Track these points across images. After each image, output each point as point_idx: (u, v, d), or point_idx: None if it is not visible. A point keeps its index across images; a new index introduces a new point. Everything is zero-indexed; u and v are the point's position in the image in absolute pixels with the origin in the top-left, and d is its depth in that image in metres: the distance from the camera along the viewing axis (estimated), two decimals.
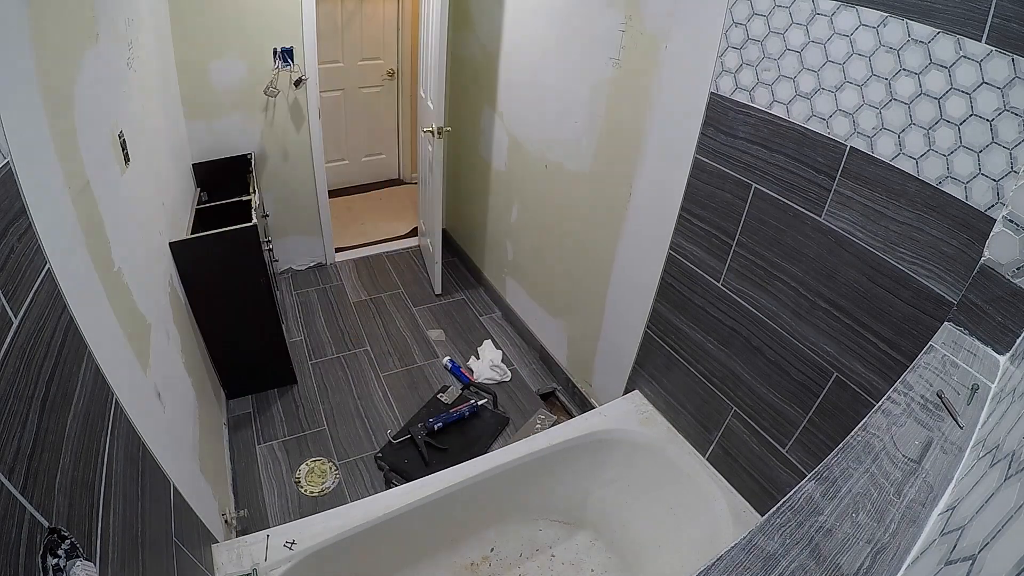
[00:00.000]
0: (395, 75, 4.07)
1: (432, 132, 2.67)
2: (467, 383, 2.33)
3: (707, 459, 1.77)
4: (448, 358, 2.44)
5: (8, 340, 0.65)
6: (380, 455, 2.00)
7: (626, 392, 2.07)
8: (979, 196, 1.00)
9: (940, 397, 0.85)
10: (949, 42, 0.99)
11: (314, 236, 3.29)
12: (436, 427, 2.07)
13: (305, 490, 2.03)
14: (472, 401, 2.17)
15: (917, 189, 1.09)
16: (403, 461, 1.97)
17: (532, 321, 2.75)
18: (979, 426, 0.80)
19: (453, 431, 2.11)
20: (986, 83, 0.95)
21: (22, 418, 0.65)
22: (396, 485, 1.88)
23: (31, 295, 0.74)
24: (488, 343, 2.65)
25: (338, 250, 3.41)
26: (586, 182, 2.09)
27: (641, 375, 2.01)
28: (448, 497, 1.66)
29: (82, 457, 0.79)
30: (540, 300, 2.65)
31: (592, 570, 1.81)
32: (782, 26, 1.26)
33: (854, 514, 0.66)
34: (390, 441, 2.05)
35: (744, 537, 0.62)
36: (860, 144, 1.17)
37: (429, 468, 1.77)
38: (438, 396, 2.24)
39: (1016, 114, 0.93)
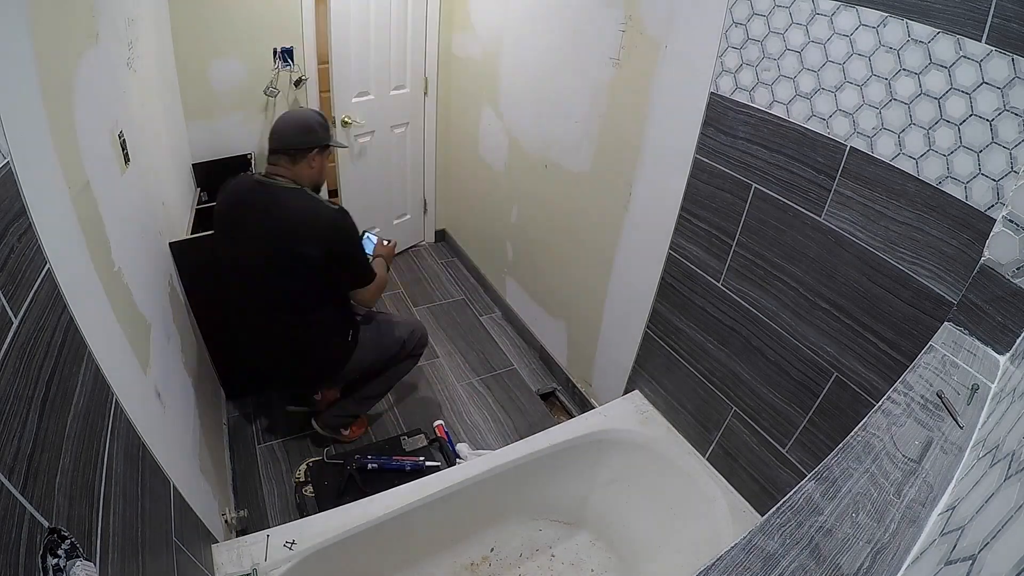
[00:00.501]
0: None
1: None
2: (453, 453, 2.16)
3: (707, 459, 1.77)
4: (440, 422, 2.28)
5: (8, 340, 0.65)
6: (310, 465, 1.97)
7: (626, 392, 2.07)
8: (979, 196, 1.00)
9: (940, 397, 0.85)
10: (949, 42, 0.99)
11: None
12: (369, 467, 1.96)
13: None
14: (421, 459, 2.02)
15: (917, 189, 1.09)
16: (323, 482, 1.90)
17: (532, 321, 2.75)
18: (979, 426, 0.80)
19: (388, 477, 1.93)
20: (986, 83, 0.95)
21: (22, 418, 0.65)
22: (308, 496, 1.88)
23: (31, 295, 0.74)
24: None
25: None
26: (586, 182, 2.09)
27: (641, 375, 2.01)
28: (448, 497, 1.66)
29: (82, 457, 0.79)
30: (540, 300, 2.65)
31: (592, 570, 1.81)
32: (782, 26, 1.26)
33: (854, 514, 0.66)
34: (324, 459, 2.00)
35: (744, 537, 0.62)
36: (860, 144, 1.17)
37: (339, 501, 1.67)
38: (401, 437, 2.17)
39: (1016, 114, 0.93)
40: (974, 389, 0.87)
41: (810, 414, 1.41)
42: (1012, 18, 0.90)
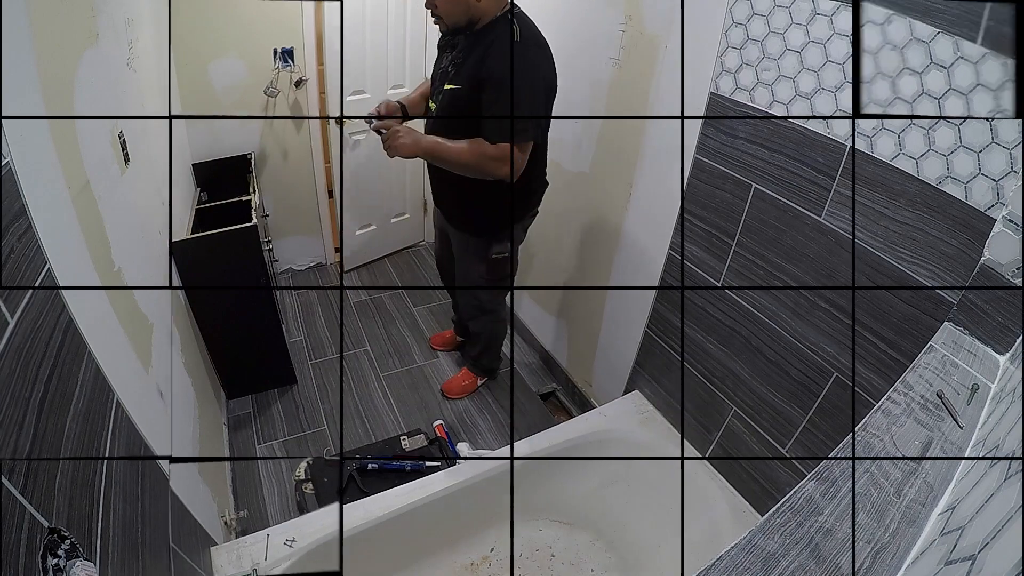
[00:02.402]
0: None
1: None
2: (453, 453, 2.14)
3: (707, 459, 1.77)
4: (440, 422, 2.28)
5: (6, 340, 0.65)
6: (310, 464, 1.98)
7: (626, 392, 2.07)
8: (979, 196, 1.00)
9: (940, 397, 0.85)
10: (948, 42, 0.99)
11: (314, 236, 3.29)
12: (369, 467, 1.98)
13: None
14: (421, 459, 2.03)
15: (917, 189, 1.09)
16: (323, 480, 1.92)
17: (532, 321, 2.75)
18: (979, 426, 0.80)
19: (389, 478, 1.94)
20: (981, 85, 0.95)
21: (20, 419, 0.65)
22: (308, 493, 1.90)
23: (30, 295, 0.73)
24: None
25: (338, 250, 3.41)
26: (586, 182, 2.09)
27: (641, 375, 2.01)
28: (448, 497, 1.66)
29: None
30: (540, 300, 2.65)
31: (592, 570, 1.81)
32: (782, 26, 1.26)
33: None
34: (324, 458, 2.01)
35: (744, 537, 0.62)
36: (860, 144, 1.17)
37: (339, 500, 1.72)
38: (401, 437, 2.18)
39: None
40: (974, 389, 0.87)
41: (810, 414, 1.41)
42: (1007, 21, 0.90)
